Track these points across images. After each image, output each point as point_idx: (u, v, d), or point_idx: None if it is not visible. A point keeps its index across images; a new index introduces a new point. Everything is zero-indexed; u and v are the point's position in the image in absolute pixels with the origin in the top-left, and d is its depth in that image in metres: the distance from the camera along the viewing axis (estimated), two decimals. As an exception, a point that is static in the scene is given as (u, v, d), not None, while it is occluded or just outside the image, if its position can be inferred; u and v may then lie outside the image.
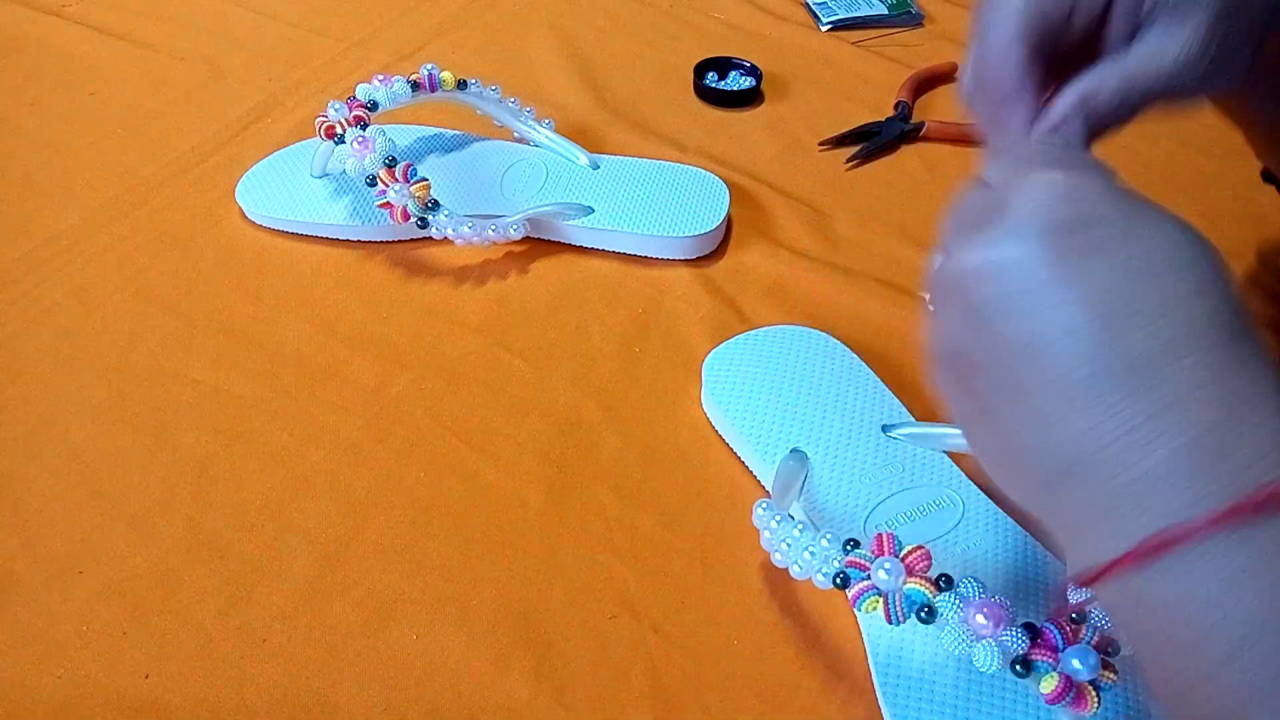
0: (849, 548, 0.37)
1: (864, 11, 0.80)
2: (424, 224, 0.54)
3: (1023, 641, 0.33)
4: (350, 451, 0.48)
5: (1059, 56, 0.36)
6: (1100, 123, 0.34)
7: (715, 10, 0.81)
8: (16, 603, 0.41)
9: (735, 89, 0.71)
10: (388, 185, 0.53)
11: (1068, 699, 0.32)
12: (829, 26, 0.79)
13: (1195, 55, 0.34)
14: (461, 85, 0.60)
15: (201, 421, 0.49)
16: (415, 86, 0.58)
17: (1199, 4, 0.33)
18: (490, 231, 0.55)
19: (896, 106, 0.70)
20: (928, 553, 0.35)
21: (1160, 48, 0.34)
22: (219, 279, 0.56)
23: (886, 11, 0.80)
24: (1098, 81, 0.34)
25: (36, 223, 0.59)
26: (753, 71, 0.72)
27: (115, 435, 0.48)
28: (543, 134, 0.62)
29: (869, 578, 0.35)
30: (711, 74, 0.73)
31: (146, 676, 0.39)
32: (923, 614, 0.34)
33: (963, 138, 0.68)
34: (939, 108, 0.72)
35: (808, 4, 0.81)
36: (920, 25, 0.81)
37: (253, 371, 0.51)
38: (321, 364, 0.52)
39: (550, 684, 0.40)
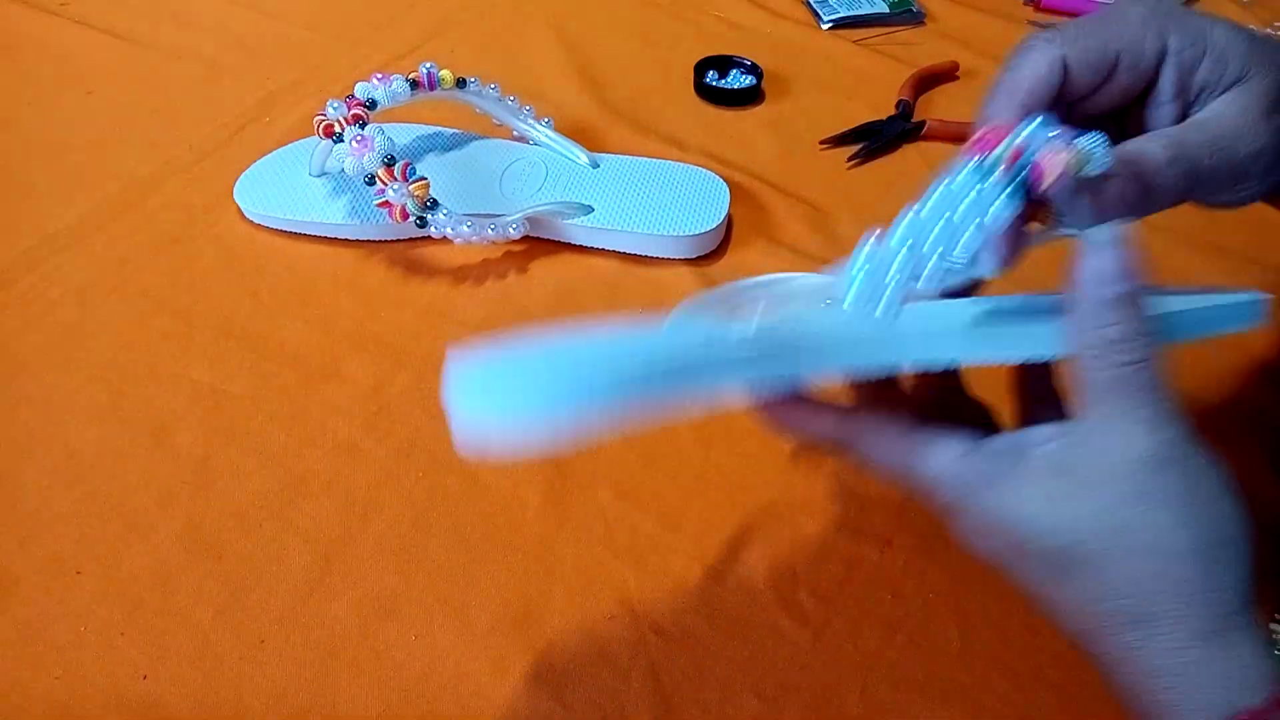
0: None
1: (865, 9, 0.80)
2: (423, 223, 0.54)
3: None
4: (349, 451, 0.48)
5: (1082, 116, 0.35)
6: (1150, 190, 0.32)
7: (715, 8, 0.81)
8: (15, 603, 0.41)
9: (736, 87, 0.71)
10: (386, 184, 0.53)
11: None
12: (830, 25, 0.79)
13: (1248, 123, 0.33)
14: (460, 83, 0.60)
15: (200, 421, 0.48)
16: (414, 85, 0.58)
17: (1250, 81, 0.33)
18: (490, 230, 0.55)
19: (898, 105, 0.70)
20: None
21: (1211, 117, 0.33)
22: (217, 278, 0.56)
23: (887, 9, 0.80)
24: (1140, 146, 0.32)
25: (34, 222, 0.58)
26: (753, 70, 0.72)
27: (113, 435, 0.48)
28: (542, 132, 0.62)
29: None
30: (712, 72, 0.72)
31: (144, 677, 0.39)
32: None
33: (964, 136, 0.67)
34: (940, 106, 0.72)
35: (808, 2, 0.81)
36: (921, 23, 0.80)
37: (251, 371, 0.51)
38: (320, 363, 0.51)
39: (550, 684, 0.40)
